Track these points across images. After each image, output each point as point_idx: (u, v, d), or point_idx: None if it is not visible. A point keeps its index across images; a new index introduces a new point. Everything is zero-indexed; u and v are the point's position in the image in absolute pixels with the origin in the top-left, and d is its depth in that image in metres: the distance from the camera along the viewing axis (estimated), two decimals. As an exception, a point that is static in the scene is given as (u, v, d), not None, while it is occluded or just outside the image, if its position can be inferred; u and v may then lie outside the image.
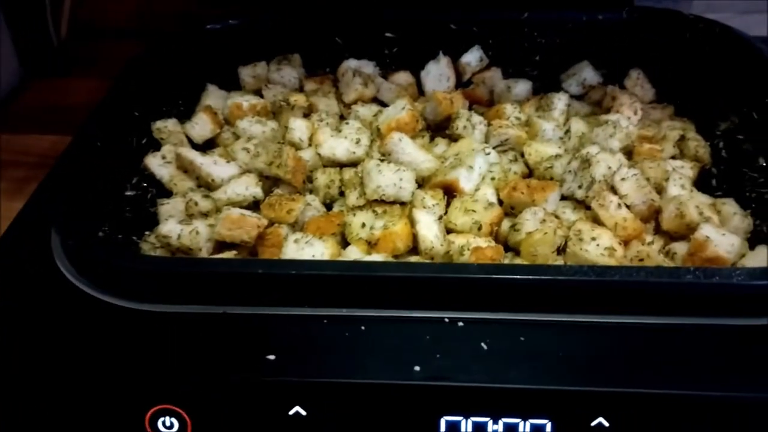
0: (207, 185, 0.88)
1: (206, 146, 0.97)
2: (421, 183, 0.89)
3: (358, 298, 0.67)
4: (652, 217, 0.83)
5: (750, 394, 0.61)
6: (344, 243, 0.82)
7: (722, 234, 0.76)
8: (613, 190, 0.83)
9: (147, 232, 0.83)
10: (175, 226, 0.78)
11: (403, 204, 0.85)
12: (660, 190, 0.85)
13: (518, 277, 0.65)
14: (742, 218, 0.83)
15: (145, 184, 0.90)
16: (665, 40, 1.07)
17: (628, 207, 0.82)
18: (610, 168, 0.84)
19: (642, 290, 0.65)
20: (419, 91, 1.09)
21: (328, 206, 0.90)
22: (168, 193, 0.89)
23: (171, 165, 0.90)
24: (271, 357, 0.63)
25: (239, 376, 0.63)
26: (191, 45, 1.07)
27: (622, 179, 0.83)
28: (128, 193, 0.88)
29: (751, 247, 0.80)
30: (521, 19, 1.09)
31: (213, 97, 1.03)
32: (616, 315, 0.65)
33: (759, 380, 0.61)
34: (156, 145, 0.94)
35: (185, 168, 0.89)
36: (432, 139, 0.99)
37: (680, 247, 0.79)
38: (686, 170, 0.90)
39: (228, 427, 0.64)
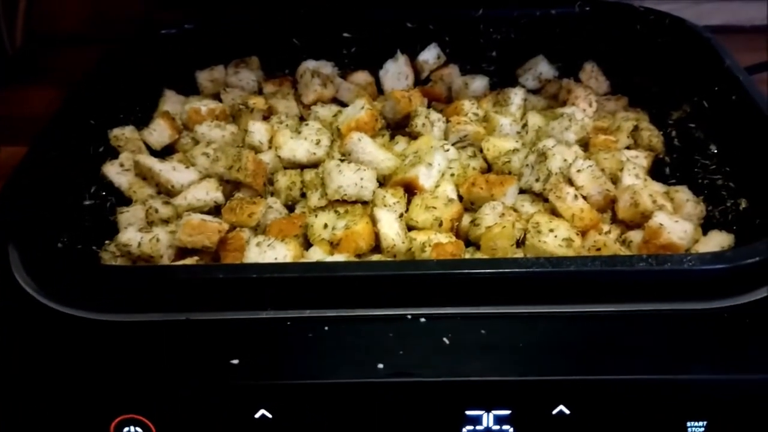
0: (167, 192, 0.88)
1: (165, 152, 0.97)
2: (383, 182, 0.89)
3: (321, 298, 0.68)
4: (608, 206, 0.85)
5: (705, 376, 0.63)
6: (307, 244, 0.83)
7: (675, 221, 0.78)
8: (570, 181, 0.85)
9: (107, 242, 0.83)
10: (135, 234, 0.78)
11: (364, 203, 0.86)
12: (615, 180, 0.87)
13: (476, 271, 0.66)
14: (694, 205, 0.85)
15: (103, 193, 0.89)
16: (617, 33, 1.09)
17: (584, 198, 0.83)
18: (565, 160, 0.86)
19: (597, 279, 0.66)
20: (378, 90, 1.10)
21: (290, 208, 0.90)
22: (127, 201, 0.89)
23: (129, 172, 0.90)
24: (235, 361, 0.63)
25: (203, 382, 0.63)
26: (147, 51, 1.06)
27: (578, 171, 0.85)
28: (87, 202, 0.87)
29: (705, 233, 0.82)
30: (476, 15, 1.10)
31: (170, 102, 1.03)
32: (572, 304, 0.67)
33: (714, 362, 0.63)
34: (114, 153, 0.93)
35: (144, 175, 0.89)
36: (392, 137, 0.99)
37: (636, 236, 0.81)
38: (640, 160, 0.92)
39: (194, 434, 0.64)
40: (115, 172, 0.90)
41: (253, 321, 0.67)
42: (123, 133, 0.94)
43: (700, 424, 0.63)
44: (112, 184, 0.89)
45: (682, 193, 0.86)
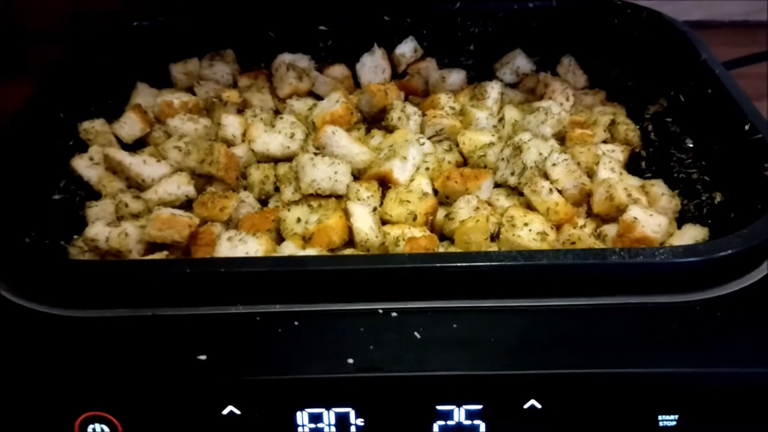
0: (137, 186, 0.86)
1: (137, 146, 0.95)
2: (358, 175, 0.88)
3: (290, 293, 0.66)
4: (583, 200, 0.85)
5: (677, 369, 0.62)
6: (280, 239, 0.82)
7: (650, 215, 0.78)
8: (545, 175, 0.84)
9: (76, 236, 0.81)
10: (103, 229, 0.76)
11: (339, 197, 0.85)
12: (591, 174, 0.87)
13: (448, 265, 0.65)
14: (669, 198, 0.84)
15: (73, 187, 0.88)
16: (595, 27, 1.08)
17: (559, 192, 0.83)
18: (541, 154, 0.85)
19: (569, 273, 0.65)
20: (355, 84, 1.09)
21: (264, 202, 0.89)
22: (97, 196, 0.87)
23: (99, 166, 0.88)
24: (203, 357, 0.62)
25: (170, 378, 0.62)
26: (118, 43, 1.05)
27: (553, 165, 0.84)
28: (56, 196, 0.86)
29: (680, 226, 0.82)
30: (454, 9, 1.10)
31: (143, 95, 1.01)
32: (545, 298, 0.66)
33: (685, 355, 0.63)
34: (84, 147, 0.92)
35: (114, 169, 0.87)
36: (368, 131, 0.99)
37: (611, 229, 0.80)
38: (617, 154, 0.92)
39: (160, 431, 0.63)
40: (85, 165, 0.88)
41: (221, 316, 0.66)
42: (93, 126, 0.93)
43: (672, 417, 0.63)
44: (82, 178, 0.88)
45: (658, 187, 0.86)
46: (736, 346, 0.63)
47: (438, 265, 0.65)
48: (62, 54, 1.03)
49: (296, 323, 0.65)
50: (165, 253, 0.77)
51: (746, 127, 0.81)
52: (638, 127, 0.98)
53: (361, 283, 0.66)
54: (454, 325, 0.65)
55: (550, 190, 0.81)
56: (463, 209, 0.81)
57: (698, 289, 0.67)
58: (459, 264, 0.65)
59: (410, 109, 0.96)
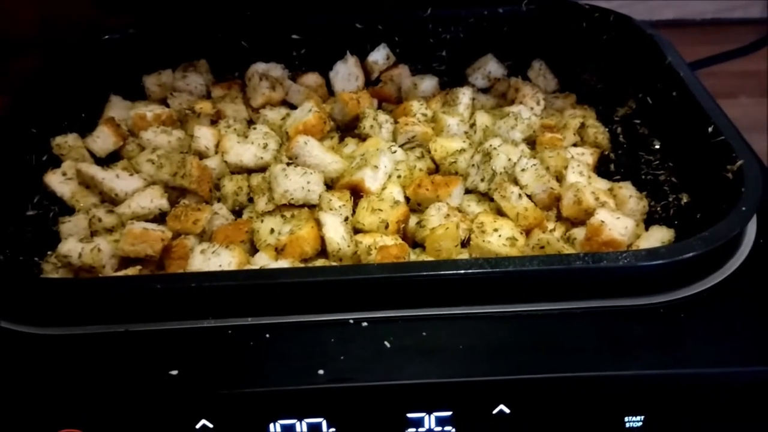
0: (111, 200, 0.87)
1: (111, 159, 0.95)
2: (331, 185, 0.89)
3: (262, 306, 0.67)
4: (553, 204, 0.86)
5: (641, 371, 0.64)
6: (254, 250, 0.82)
7: (617, 218, 0.79)
8: (515, 181, 0.85)
9: (49, 252, 0.81)
10: (76, 245, 0.77)
11: (312, 207, 0.86)
12: (561, 178, 0.88)
13: (415, 274, 0.66)
14: (637, 200, 0.86)
15: (47, 203, 0.88)
16: (564, 31, 1.10)
17: (529, 197, 0.84)
18: (510, 160, 0.86)
19: (535, 279, 0.67)
20: (330, 92, 1.10)
21: (238, 213, 0.90)
22: (71, 211, 0.87)
23: (72, 181, 0.89)
24: (174, 372, 0.63)
25: (143, 394, 0.62)
26: (89, 56, 1.05)
27: (522, 170, 0.85)
28: (30, 212, 0.86)
29: (648, 227, 0.83)
30: (425, 15, 1.10)
31: (116, 108, 1.01)
32: (512, 304, 0.67)
33: (650, 357, 0.64)
34: (57, 162, 0.92)
35: (87, 184, 0.88)
36: (342, 139, 0.99)
37: (580, 233, 0.82)
38: (586, 157, 0.93)
39: (135, 446, 0.64)
40: (58, 181, 0.88)
41: (193, 330, 0.67)
42: (66, 141, 0.93)
43: (638, 418, 0.64)
44: (55, 194, 0.88)
45: (626, 189, 0.87)
46: (699, 347, 0.65)
47: (406, 274, 0.66)
48: (36, 63, 1.03)
49: (267, 335, 0.66)
50: (138, 267, 0.78)
51: (710, 129, 0.82)
52: (608, 129, 0.99)
53: (330, 294, 0.67)
54: (424, 334, 0.66)
55: (520, 195, 0.83)
56: (434, 216, 0.82)
57: (661, 292, 0.68)
58: (426, 273, 0.66)
59: (382, 117, 0.96)
